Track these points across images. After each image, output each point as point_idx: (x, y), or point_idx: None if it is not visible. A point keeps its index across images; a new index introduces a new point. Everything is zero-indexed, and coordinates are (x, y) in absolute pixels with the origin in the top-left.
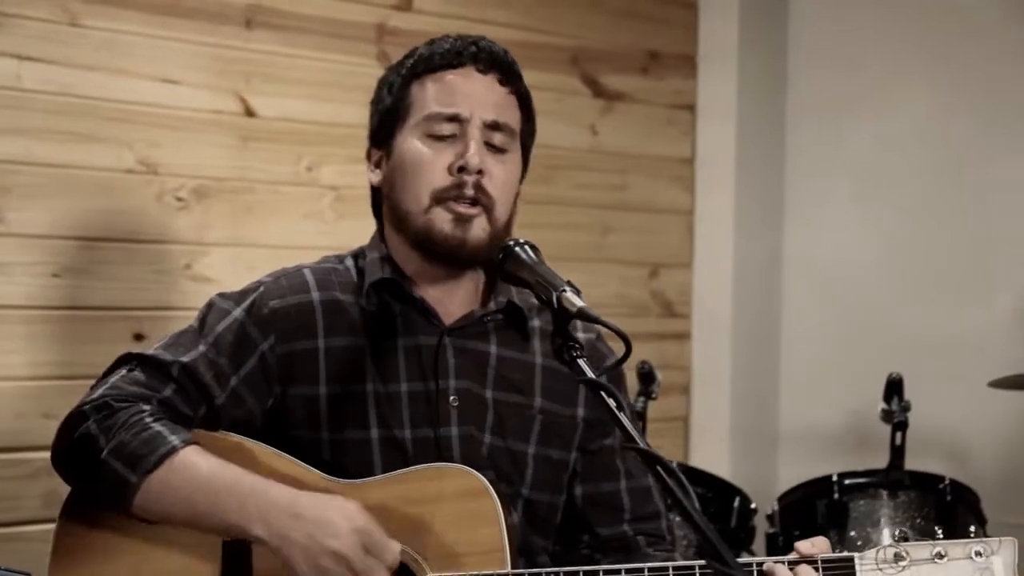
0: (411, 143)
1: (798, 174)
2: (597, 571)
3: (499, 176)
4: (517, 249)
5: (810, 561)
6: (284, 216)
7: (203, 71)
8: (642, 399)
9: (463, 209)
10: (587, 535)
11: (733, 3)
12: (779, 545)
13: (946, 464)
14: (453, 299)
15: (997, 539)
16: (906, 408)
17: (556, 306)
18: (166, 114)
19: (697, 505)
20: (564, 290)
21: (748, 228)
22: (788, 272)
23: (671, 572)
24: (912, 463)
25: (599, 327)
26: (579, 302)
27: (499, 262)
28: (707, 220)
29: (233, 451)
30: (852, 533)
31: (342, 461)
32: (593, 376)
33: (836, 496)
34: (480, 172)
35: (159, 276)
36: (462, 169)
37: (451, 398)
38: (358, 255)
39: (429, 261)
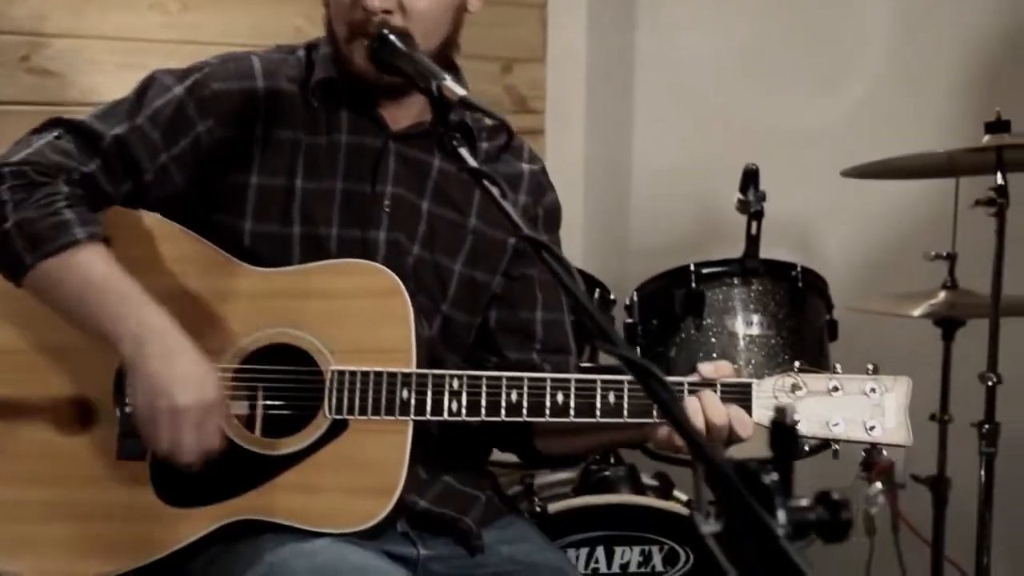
0: None
1: None
2: (501, 377)
3: (418, 4)
4: (392, 37)
5: (710, 384)
6: (127, 6)
7: None
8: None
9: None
10: (496, 357)
11: None
12: (638, 335)
13: (799, 254)
14: (402, 110)
15: (892, 377)
16: (761, 198)
17: (436, 95)
18: None
19: (583, 287)
20: (444, 79)
21: (601, 23)
22: (640, 69)
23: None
24: (765, 252)
25: (542, 161)
26: (460, 91)
27: (373, 52)
28: (560, 13)
29: (151, 229)
30: (708, 320)
31: (260, 251)
32: (477, 166)
33: (693, 285)
34: (388, 12)
35: None
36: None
37: (385, 203)
38: (312, 47)
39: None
